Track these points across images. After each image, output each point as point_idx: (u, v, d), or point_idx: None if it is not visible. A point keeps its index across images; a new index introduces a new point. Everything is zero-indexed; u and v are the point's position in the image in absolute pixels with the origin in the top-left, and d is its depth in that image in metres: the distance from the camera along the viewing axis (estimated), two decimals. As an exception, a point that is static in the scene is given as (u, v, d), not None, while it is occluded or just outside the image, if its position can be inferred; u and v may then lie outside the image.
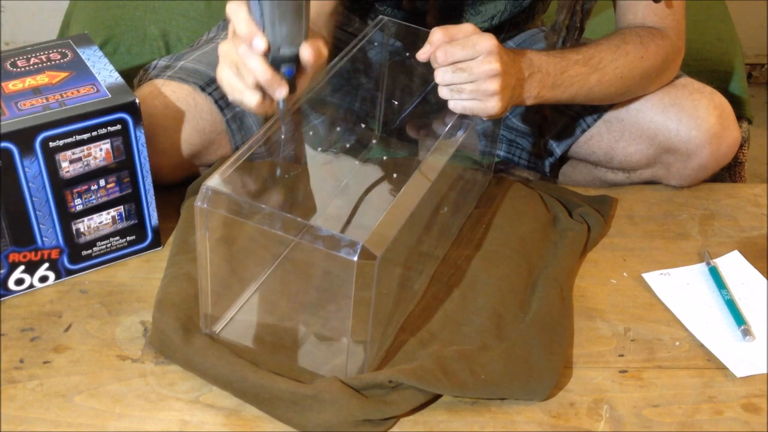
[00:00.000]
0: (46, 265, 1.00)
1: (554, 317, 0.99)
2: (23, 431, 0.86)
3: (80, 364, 0.93)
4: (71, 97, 0.96)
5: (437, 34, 0.98)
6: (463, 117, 1.00)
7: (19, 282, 1.00)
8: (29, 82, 0.98)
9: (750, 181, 1.42)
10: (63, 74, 1.00)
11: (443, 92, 1.00)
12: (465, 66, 0.97)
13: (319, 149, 1.16)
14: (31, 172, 0.93)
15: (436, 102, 1.00)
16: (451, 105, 1.00)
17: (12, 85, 0.97)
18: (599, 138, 1.23)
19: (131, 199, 1.02)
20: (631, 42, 1.12)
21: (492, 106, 0.99)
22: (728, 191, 1.26)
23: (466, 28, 0.99)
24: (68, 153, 0.95)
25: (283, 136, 0.95)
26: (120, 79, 0.99)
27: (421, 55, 1.00)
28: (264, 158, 0.96)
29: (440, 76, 0.98)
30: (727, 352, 0.98)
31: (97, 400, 0.89)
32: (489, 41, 0.97)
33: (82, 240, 1.01)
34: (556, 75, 1.07)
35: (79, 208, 0.99)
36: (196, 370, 0.91)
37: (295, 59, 0.90)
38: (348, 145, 1.22)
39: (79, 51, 1.04)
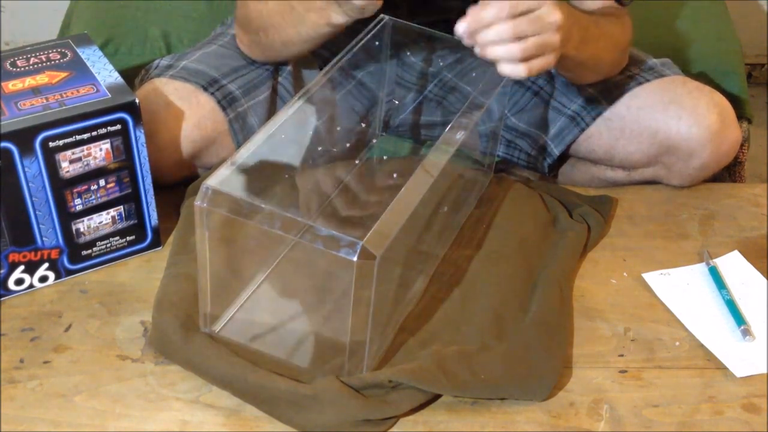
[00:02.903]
0: (46, 265, 1.00)
1: (554, 317, 0.99)
2: (23, 431, 0.86)
3: (80, 364, 0.93)
4: (71, 97, 0.96)
5: None
6: (464, 115, 1.00)
7: (19, 282, 1.00)
8: (29, 82, 0.98)
9: (750, 181, 1.42)
10: (63, 74, 1.00)
11: (496, 51, 0.91)
12: (531, 17, 0.89)
13: (320, 148, 1.16)
14: (31, 172, 0.93)
15: (437, 101, 1.00)
16: (508, 69, 0.91)
17: (12, 85, 0.97)
18: (599, 136, 1.22)
19: (131, 199, 1.02)
20: (611, 13, 1.12)
21: (551, 60, 0.92)
22: (728, 191, 1.26)
23: None
24: (68, 153, 0.95)
25: (283, 136, 0.95)
26: (120, 79, 0.99)
27: (476, 12, 0.90)
28: (264, 158, 0.96)
29: (497, 31, 0.89)
30: (727, 352, 0.98)
31: (97, 400, 0.89)
32: None
33: (82, 240, 1.01)
34: (586, 29, 1.02)
35: (79, 208, 0.99)
36: (195, 370, 0.91)
37: None
38: (348, 145, 1.22)
39: (79, 51, 1.04)
